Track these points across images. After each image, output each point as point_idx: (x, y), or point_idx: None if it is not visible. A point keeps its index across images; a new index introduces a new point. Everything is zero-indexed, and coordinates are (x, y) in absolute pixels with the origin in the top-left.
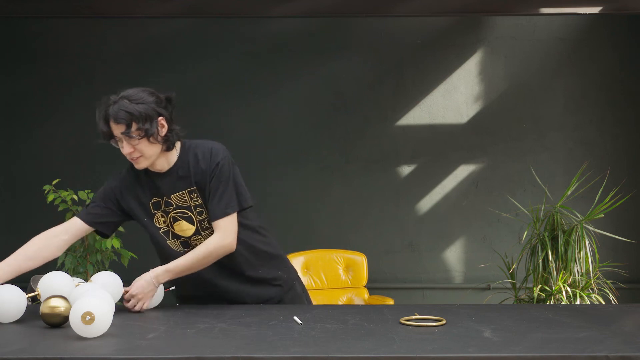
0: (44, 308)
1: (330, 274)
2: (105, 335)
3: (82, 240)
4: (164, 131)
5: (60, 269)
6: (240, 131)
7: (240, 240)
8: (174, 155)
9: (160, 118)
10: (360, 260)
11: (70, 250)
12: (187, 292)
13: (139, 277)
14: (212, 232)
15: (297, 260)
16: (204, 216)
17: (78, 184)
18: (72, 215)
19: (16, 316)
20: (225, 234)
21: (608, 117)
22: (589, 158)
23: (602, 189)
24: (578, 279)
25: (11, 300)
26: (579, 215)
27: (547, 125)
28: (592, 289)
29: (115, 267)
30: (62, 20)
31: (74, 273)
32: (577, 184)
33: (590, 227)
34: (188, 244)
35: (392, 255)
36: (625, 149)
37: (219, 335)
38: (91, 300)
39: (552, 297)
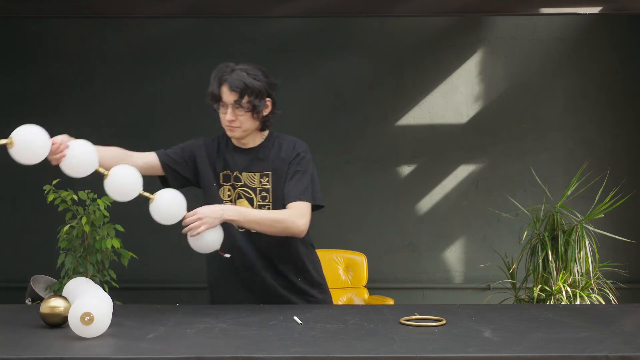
0: (44, 308)
1: (330, 274)
2: (105, 335)
3: (82, 240)
4: (266, 111)
5: (60, 269)
6: None
7: (301, 250)
8: (260, 137)
9: (268, 99)
10: (360, 260)
11: (70, 250)
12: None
13: (205, 207)
14: None
15: None
16: (265, 202)
17: (78, 184)
18: (72, 215)
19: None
20: (299, 214)
21: (608, 117)
22: (589, 158)
23: (602, 189)
24: (578, 279)
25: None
26: (579, 215)
27: (547, 125)
28: (592, 289)
29: (116, 267)
30: (62, 20)
31: (74, 273)
32: (577, 184)
33: (590, 227)
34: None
35: (392, 255)
36: (625, 149)
37: (219, 335)
38: (90, 301)
39: (552, 297)
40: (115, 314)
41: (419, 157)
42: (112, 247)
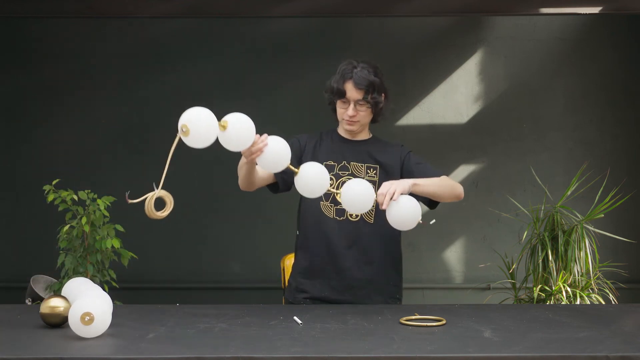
0: (44, 308)
1: None
2: (105, 335)
3: (82, 240)
4: (381, 106)
5: (60, 269)
6: None
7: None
8: (367, 133)
9: (383, 95)
10: None
11: (70, 250)
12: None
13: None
14: (371, 210)
15: None
16: None
17: (78, 184)
18: (72, 215)
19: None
20: (455, 183)
21: (608, 117)
22: (589, 158)
23: (602, 189)
24: (578, 279)
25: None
26: (579, 215)
27: (547, 125)
28: (592, 289)
29: (116, 267)
30: (62, 20)
31: (74, 273)
32: (577, 184)
33: (590, 227)
34: (343, 214)
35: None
36: (625, 149)
37: (219, 335)
38: (90, 301)
39: (552, 297)
40: (115, 314)
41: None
42: (112, 247)
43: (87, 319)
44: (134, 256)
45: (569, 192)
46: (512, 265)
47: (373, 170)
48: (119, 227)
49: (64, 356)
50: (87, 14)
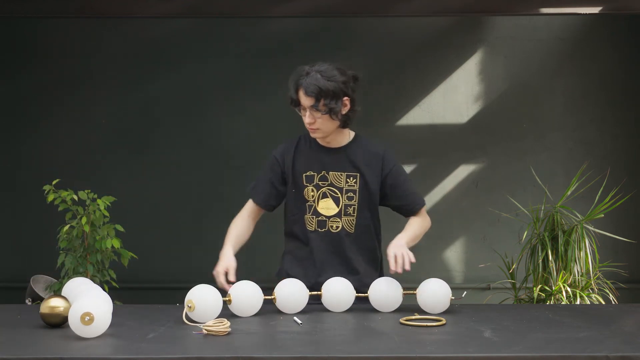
0: (44, 308)
1: None
2: (105, 335)
3: (82, 240)
4: (345, 110)
5: (60, 269)
6: (240, 131)
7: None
8: (346, 136)
9: (345, 98)
10: None
11: (70, 250)
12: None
13: (391, 244)
14: (351, 220)
15: None
16: (351, 202)
17: (78, 184)
18: (72, 215)
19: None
20: (428, 218)
21: (608, 117)
22: (589, 158)
23: (602, 189)
24: (578, 279)
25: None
26: (579, 215)
27: (547, 125)
28: (592, 289)
29: (116, 267)
30: (62, 20)
31: (74, 273)
32: (577, 184)
33: (590, 227)
34: (324, 225)
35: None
36: (625, 149)
37: (219, 335)
38: (90, 301)
39: (552, 297)
40: (115, 314)
41: (419, 157)
42: (112, 247)
43: (87, 319)
44: (134, 256)
45: (569, 192)
46: (512, 265)
47: (353, 179)
48: (119, 227)
49: (64, 356)
50: (88, 14)
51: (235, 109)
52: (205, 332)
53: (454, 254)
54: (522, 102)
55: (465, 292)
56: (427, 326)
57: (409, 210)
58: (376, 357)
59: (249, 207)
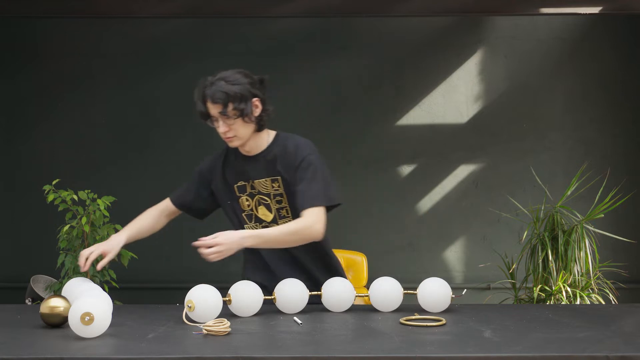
0: (44, 308)
1: None
2: (105, 335)
3: (82, 240)
4: (257, 111)
5: (60, 269)
6: None
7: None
8: (265, 140)
9: (254, 99)
10: (360, 260)
11: (70, 250)
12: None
13: (226, 231)
14: (288, 222)
15: None
16: (281, 205)
17: (78, 184)
18: (72, 215)
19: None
20: (314, 219)
21: (608, 117)
22: (589, 158)
23: (602, 189)
24: (578, 279)
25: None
26: (579, 215)
27: (547, 125)
28: (592, 289)
29: (116, 267)
30: (62, 20)
31: (74, 273)
32: (577, 184)
33: (590, 227)
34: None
35: (392, 255)
36: (625, 149)
37: (219, 335)
38: (90, 301)
39: (552, 297)
40: (115, 314)
41: (419, 157)
42: None
43: (87, 319)
44: (134, 256)
45: (569, 192)
46: (512, 265)
47: (276, 183)
48: (119, 227)
49: (64, 356)
50: (87, 14)
51: None
52: (205, 332)
53: (454, 254)
54: (522, 102)
55: (465, 290)
56: (427, 326)
57: (298, 209)
58: (376, 357)
59: (163, 203)
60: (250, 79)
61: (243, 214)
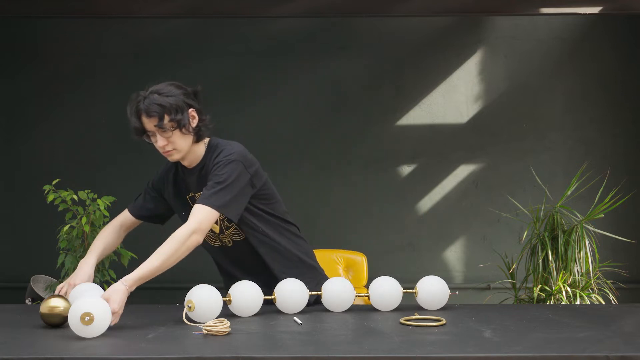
0: (44, 308)
1: (330, 274)
2: (105, 335)
3: (82, 240)
4: (194, 122)
5: (60, 269)
6: (240, 131)
7: (263, 232)
8: (200, 152)
9: (190, 110)
10: (360, 260)
11: (70, 250)
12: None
13: (111, 288)
14: (234, 232)
15: None
16: (222, 216)
17: (78, 184)
18: (72, 215)
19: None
20: (193, 219)
21: (608, 117)
22: (589, 158)
23: (602, 189)
24: (578, 279)
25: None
26: (579, 215)
27: (547, 125)
28: (592, 289)
29: (116, 267)
30: (62, 20)
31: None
32: (577, 184)
33: (590, 227)
34: (220, 240)
35: (392, 255)
36: (625, 149)
37: (219, 335)
38: (90, 301)
39: (552, 297)
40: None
41: (419, 157)
42: None
43: (87, 319)
44: (134, 256)
45: (569, 192)
46: (512, 265)
47: None
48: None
49: (64, 356)
50: (87, 14)
51: (235, 109)
52: (205, 332)
53: (454, 254)
54: (522, 102)
55: (457, 292)
56: (427, 326)
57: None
58: (376, 357)
59: (120, 217)
60: (183, 90)
61: None
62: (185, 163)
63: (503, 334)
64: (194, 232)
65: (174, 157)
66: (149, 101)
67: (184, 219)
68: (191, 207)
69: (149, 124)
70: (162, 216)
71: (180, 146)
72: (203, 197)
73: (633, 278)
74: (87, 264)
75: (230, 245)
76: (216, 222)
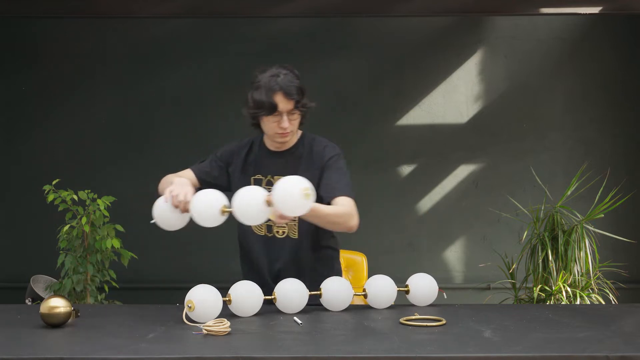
0: (44, 308)
1: None
2: (105, 335)
3: (82, 240)
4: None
5: (60, 269)
6: (240, 131)
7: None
8: (295, 137)
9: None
10: (360, 260)
11: (70, 250)
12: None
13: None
14: (293, 225)
15: None
16: None
17: (78, 184)
18: (72, 215)
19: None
20: (352, 209)
21: (608, 117)
22: (589, 158)
23: (602, 189)
24: (578, 279)
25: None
26: (579, 215)
27: (547, 125)
28: (592, 289)
29: (116, 267)
30: (62, 20)
31: (74, 273)
32: (577, 184)
33: (590, 227)
34: (271, 230)
35: (392, 255)
36: (625, 149)
37: (219, 335)
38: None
39: (552, 297)
40: (115, 313)
41: (419, 157)
42: (112, 247)
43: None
44: (134, 256)
45: (569, 192)
46: (512, 265)
47: None
48: (119, 227)
49: (64, 356)
50: (87, 14)
51: (235, 109)
52: (205, 332)
53: (454, 254)
54: (522, 102)
55: (445, 295)
56: (427, 326)
57: (325, 197)
58: (376, 357)
59: (185, 173)
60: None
61: None
62: (274, 146)
63: (503, 334)
64: (354, 217)
65: (287, 138)
66: (289, 80)
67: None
68: None
69: (285, 103)
70: (220, 187)
71: (295, 130)
72: (340, 188)
73: (633, 278)
74: (186, 182)
75: (282, 237)
76: None
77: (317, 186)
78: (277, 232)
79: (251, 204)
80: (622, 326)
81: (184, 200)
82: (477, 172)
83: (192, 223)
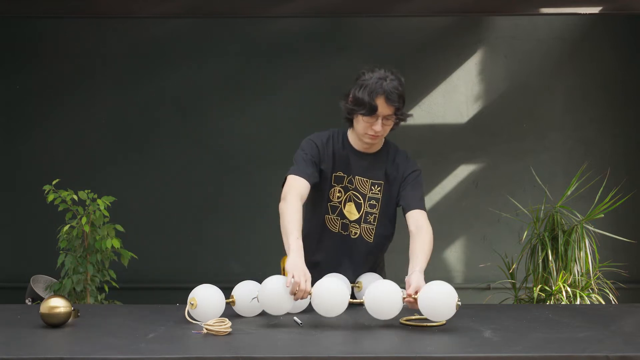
0: (44, 308)
1: None
2: (105, 335)
3: (82, 240)
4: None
5: (60, 269)
6: (240, 131)
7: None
8: (382, 142)
9: None
10: None
11: (70, 250)
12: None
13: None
14: (371, 228)
15: None
16: (373, 210)
17: (78, 184)
18: (72, 215)
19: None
20: (428, 226)
21: (608, 117)
22: (589, 158)
23: (602, 189)
24: (578, 279)
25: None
26: (579, 215)
27: (547, 125)
28: (592, 289)
29: (116, 267)
30: (62, 20)
31: (74, 273)
32: (577, 184)
33: (590, 227)
34: (347, 228)
35: (392, 255)
36: (625, 149)
37: (219, 335)
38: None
39: (552, 297)
40: (115, 313)
41: (419, 157)
42: (112, 247)
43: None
44: (134, 256)
45: (569, 192)
46: (512, 265)
47: (377, 187)
48: (119, 227)
49: (64, 356)
50: (87, 14)
51: (235, 109)
52: (205, 331)
53: (454, 254)
54: (522, 102)
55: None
56: (427, 326)
57: (405, 207)
58: (376, 357)
59: (296, 185)
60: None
61: (329, 204)
62: (361, 147)
63: (503, 334)
64: (431, 231)
65: (376, 141)
66: (393, 87)
67: (315, 194)
68: (332, 186)
69: (385, 108)
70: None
71: (385, 135)
72: (420, 200)
73: (633, 278)
74: (299, 255)
75: (354, 237)
76: (358, 210)
77: (397, 196)
78: (352, 232)
79: (388, 299)
80: (622, 326)
81: (304, 290)
82: (477, 172)
83: (189, 220)
